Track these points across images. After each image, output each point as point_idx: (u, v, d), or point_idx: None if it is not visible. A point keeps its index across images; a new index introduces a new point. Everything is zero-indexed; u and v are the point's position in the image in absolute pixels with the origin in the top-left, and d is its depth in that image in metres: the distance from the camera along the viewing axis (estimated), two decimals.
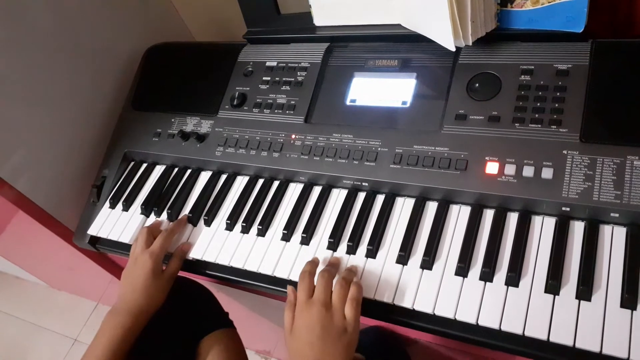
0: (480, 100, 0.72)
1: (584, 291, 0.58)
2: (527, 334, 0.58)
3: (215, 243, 0.81)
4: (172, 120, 0.94)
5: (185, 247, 0.82)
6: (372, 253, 0.70)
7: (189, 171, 0.91)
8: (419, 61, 0.80)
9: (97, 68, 1.04)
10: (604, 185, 0.61)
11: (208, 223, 0.83)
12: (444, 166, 0.70)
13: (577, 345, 0.56)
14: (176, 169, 0.93)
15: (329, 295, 0.64)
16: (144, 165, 0.96)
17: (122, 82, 1.08)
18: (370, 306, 0.66)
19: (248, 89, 0.90)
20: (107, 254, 1.14)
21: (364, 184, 0.76)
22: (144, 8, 1.14)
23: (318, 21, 0.88)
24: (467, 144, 0.70)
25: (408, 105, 0.77)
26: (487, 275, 0.63)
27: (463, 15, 0.68)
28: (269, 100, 0.87)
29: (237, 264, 0.77)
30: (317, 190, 0.80)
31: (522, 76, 0.71)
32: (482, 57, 0.75)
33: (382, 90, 0.80)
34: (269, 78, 0.89)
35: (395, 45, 0.83)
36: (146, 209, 0.89)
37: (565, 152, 0.65)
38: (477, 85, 0.73)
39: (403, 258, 0.68)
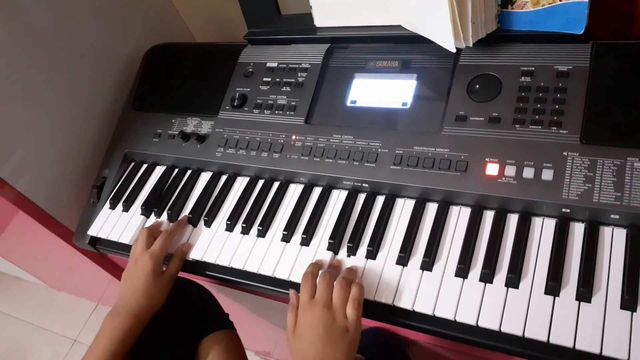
0: (480, 102, 0.72)
1: (584, 293, 0.58)
2: (527, 335, 0.58)
3: (215, 244, 0.81)
4: (173, 120, 0.94)
5: (186, 248, 0.82)
6: (372, 254, 0.70)
7: (189, 172, 0.91)
8: (419, 62, 0.80)
9: (97, 68, 1.04)
10: (604, 186, 0.61)
11: (208, 224, 0.83)
12: (444, 167, 0.70)
13: (577, 346, 0.56)
14: (176, 170, 0.92)
15: (330, 295, 0.64)
16: (145, 165, 0.96)
17: (122, 82, 1.08)
18: (370, 307, 0.66)
19: (248, 89, 0.90)
20: (107, 255, 1.14)
21: (364, 185, 0.76)
22: (145, 8, 1.14)
23: (319, 22, 0.88)
24: (467, 145, 0.70)
25: (408, 106, 0.77)
26: (487, 276, 0.63)
27: (464, 16, 0.68)
28: (269, 101, 0.87)
29: (237, 264, 0.77)
30: (317, 191, 0.80)
31: (523, 77, 0.71)
32: (483, 58, 0.75)
33: (383, 91, 0.80)
34: (269, 79, 0.89)
35: (396, 47, 0.83)
36: (146, 210, 0.89)
37: (565, 153, 0.65)
38: (477, 86, 0.73)
39: (403, 259, 0.68)
